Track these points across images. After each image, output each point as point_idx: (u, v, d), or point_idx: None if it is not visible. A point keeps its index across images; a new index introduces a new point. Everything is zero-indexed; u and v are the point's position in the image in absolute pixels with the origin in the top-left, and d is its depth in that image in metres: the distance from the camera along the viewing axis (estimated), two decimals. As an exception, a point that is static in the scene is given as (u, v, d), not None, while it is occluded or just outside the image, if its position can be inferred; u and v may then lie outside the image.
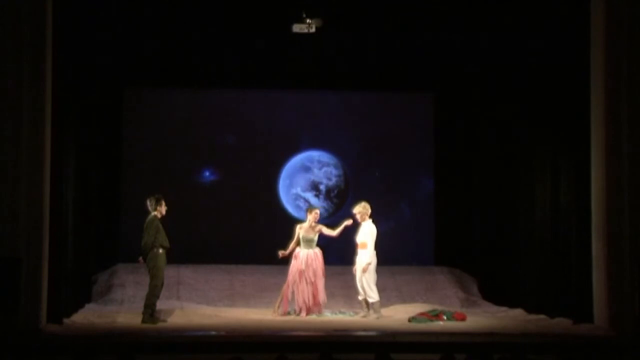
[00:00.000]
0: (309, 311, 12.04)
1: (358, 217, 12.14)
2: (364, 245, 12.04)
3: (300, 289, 12.08)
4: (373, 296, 11.98)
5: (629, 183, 10.41)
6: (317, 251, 12.30)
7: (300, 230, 12.31)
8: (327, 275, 12.33)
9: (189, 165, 15.25)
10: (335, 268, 12.72)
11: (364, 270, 11.91)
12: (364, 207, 12.15)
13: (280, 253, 12.32)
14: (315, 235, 12.27)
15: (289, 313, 12.12)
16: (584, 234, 11.11)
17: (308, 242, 12.25)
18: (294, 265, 12.19)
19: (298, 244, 12.30)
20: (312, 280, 12.11)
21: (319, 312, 12.12)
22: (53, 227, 10.45)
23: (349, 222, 12.18)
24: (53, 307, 10.45)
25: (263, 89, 15.25)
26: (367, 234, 12.05)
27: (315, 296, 12.11)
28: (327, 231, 12.29)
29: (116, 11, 12.64)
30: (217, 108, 15.44)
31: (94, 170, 13.64)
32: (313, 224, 12.31)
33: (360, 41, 14.00)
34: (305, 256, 12.20)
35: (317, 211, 12.45)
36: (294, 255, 12.27)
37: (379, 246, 12.10)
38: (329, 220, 13.93)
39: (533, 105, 12.84)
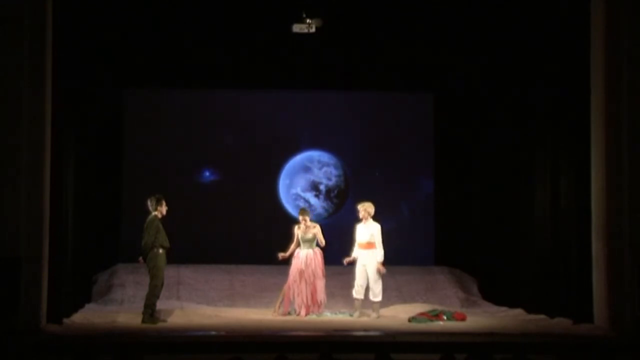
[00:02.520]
0: (307, 310, 12.04)
1: (361, 215, 12.12)
2: (370, 245, 12.03)
3: (299, 288, 12.09)
4: (379, 295, 12.00)
5: (629, 183, 10.39)
6: (317, 251, 12.29)
7: (298, 231, 12.31)
8: (327, 275, 12.31)
9: (189, 165, 15.24)
10: (335, 268, 12.71)
11: (380, 271, 11.92)
12: (370, 207, 12.14)
13: (280, 255, 12.31)
14: (313, 234, 12.24)
15: (289, 313, 12.12)
16: (584, 234, 11.09)
17: (307, 242, 12.24)
18: (295, 265, 12.19)
19: (298, 245, 12.30)
20: (311, 280, 12.11)
21: (319, 312, 12.12)
22: (53, 227, 10.45)
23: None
24: (53, 307, 10.44)
25: (263, 89, 15.25)
26: (373, 234, 12.05)
27: (313, 296, 12.11)
28: (319, 237, 12.24)
29: (116, 11, 12.65)
30: (217, 108, 15.44)
31: (94, 170, 13.64)
32: (308, 223, 12.28)
33: (360, 41, 14.00)
34: (305, 256, 12.20)
35: (307, 217, 12.29)
36: (294, 255, 12.27)
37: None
38: (329, 220, 13.92)
39: (533, 106, 12.83)
